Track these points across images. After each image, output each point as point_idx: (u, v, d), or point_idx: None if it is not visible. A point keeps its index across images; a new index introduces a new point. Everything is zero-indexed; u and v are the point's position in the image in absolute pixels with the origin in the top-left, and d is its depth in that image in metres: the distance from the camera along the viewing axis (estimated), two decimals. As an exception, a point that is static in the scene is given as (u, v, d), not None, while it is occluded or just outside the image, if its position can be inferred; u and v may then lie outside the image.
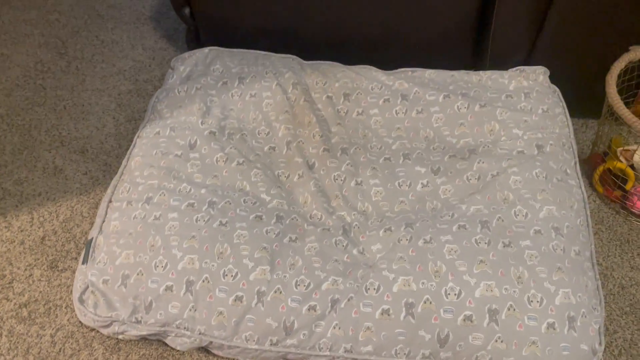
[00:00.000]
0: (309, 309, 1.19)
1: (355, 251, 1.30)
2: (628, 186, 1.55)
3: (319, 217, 1.38)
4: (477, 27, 1.62)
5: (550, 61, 1.63)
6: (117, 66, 2.08)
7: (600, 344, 1.18)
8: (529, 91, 1.58)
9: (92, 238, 1.34)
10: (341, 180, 1.44)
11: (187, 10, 1.77)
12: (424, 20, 1.61)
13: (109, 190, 1.42)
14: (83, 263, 1.31)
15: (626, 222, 1.56)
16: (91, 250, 1.32)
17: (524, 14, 1.53)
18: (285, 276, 1.23)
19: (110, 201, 1.39)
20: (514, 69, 1.65)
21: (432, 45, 1.64)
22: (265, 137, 1.54)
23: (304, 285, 1.21)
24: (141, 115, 1.89)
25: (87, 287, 1.27)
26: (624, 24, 1.51)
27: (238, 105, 1.58)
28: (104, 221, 1.36)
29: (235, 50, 1.75)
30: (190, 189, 1.37)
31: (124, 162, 1.49)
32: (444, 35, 1.64)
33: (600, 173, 1.61)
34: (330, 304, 1.20)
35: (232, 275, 1.23)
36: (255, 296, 1.20)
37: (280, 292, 1.21)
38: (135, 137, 1.54)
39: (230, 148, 1.47)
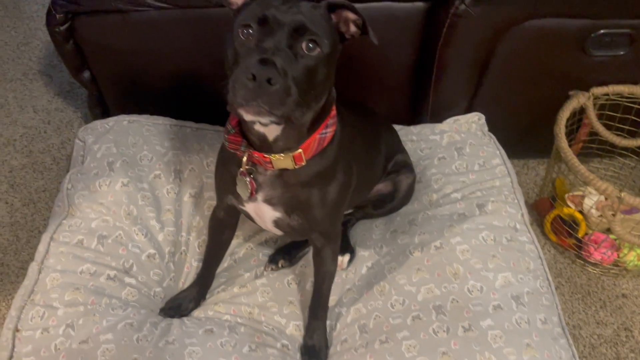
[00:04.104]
0: None
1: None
2: (580, 233, 1.55)
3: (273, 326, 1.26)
4: (414, 85, 1.56)
5: (488, 108, 1.60)
6: (4, 135, 1.80)
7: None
8: (462, 146, 1.53)
9: None
10: (288, 283, 1.35)
11: (87, 74, 1.56)
12: (362, 80, 1.52)
13: (12, 313, 1.18)
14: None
15: (584, 272, 1.54)
16: (-3, 393, 1.09)
17: (463, 71, 1.49)
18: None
19: (17, 329, 1.16)
20: (449, 119, 1.61)
21: (371, 103, 1.55)
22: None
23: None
24: (41, 197, 1.64)
25: None
26: (557, 72, 1.50)
27: (176, 206, 1.40)
28: (11, 356, 1.13)
29: (160, 120, 1.53)
30: (128, 308, 1.18)
31: (30, 272, 1.23)
32: (381, 93, 1.56)
33: (551, 220, 1.60)
34: None
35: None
36: None
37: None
38: (47, 237, 1.27)
39: (170, 280, 1.30)
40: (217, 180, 1.14)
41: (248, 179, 1.00)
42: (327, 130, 0.97)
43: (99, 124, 1.50)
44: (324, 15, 0.88)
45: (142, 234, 1.31)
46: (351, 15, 0.90)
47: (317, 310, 1.23)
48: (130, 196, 1.35)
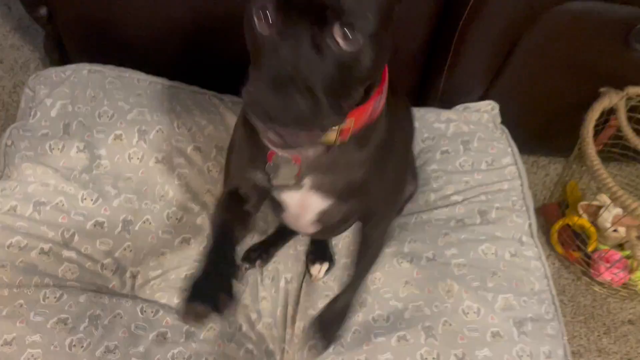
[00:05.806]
0: None
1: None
2: (589, 247, 1.40)
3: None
4: (425, 64, 1.36)
5: (505, 98, 1.41)
6: (-53, 74, 1.58)
7: None
8: (469, 139, 1.34)
9: None
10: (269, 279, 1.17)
11: (43, 11, 1.32)
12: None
13: None
14: None
15: (589, 290, 1.39)
16: None
17: (484, 54, 1.30)
18: None
19: None
20: (459, 106, 1.41)
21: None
22: (176, 224, 1.15)
23: None
24: (-15, 151, 1.43)
25: None
26: (590, 65, 1.31)
27: (139, 172, 1.18)
28: None
29: (127, 72, 1.31)
30: (63, 295, 1.00)
31: None
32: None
33: (558, 229, 1.44)
34: None
35: None
36: None
37: None
38: None
39: (124, 250, 1.11)
40: (236, 158, 0.87)
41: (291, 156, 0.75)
42: (381, 97, 0.75)
43: (54, 73, 1.28)
44: None
45: (91, 200, 1.12)
46: None
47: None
48: (85, 163, 1.15)
